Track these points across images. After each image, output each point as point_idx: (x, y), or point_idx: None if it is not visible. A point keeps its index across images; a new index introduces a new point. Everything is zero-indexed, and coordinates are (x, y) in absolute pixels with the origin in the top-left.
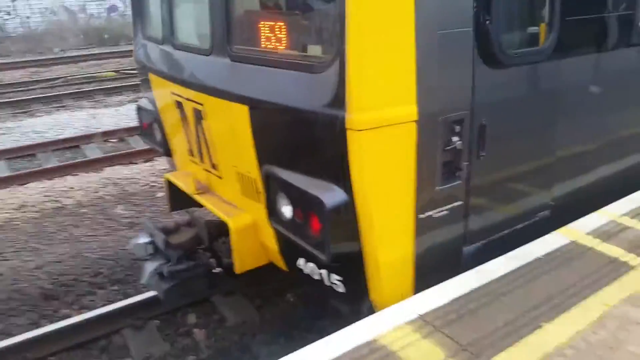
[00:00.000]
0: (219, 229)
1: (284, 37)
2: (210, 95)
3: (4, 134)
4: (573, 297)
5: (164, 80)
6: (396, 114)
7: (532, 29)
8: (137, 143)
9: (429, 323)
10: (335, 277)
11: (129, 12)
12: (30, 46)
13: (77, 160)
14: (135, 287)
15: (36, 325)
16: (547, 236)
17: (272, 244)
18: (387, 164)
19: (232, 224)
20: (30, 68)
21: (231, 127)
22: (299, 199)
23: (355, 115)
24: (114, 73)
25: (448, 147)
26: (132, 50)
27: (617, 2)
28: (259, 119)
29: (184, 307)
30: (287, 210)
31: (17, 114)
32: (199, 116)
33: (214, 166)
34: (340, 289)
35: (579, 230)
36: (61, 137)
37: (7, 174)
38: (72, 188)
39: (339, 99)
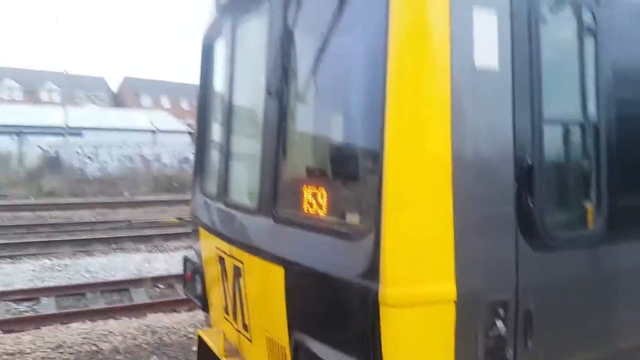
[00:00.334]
0: None
1: (325, 204)
2: (249, 253)
3: (59, 270)
4: None
5: (211, 234)
6: (433, 291)
7: (580, 211)
8: (183, 291)
9: None
10: None
11: None
12: (104, 189)
13: (121, 305)
14: None
15: None
16: None
17: None
18: (422, 346)
19: None
20: (98, 209)
21: (266, 288)
22: None
23: (389, 290)
24: (176, 220)
25: (491, 333)
26: None
27: None
28: (293, 282)
29: None
30: None
31: (76, 252)
32: (237, 273)
33: (245, 327)
34: None
35: None
36: (112, 279)
37: (52, 311)
38: (111, 332)
39: (373, 271)
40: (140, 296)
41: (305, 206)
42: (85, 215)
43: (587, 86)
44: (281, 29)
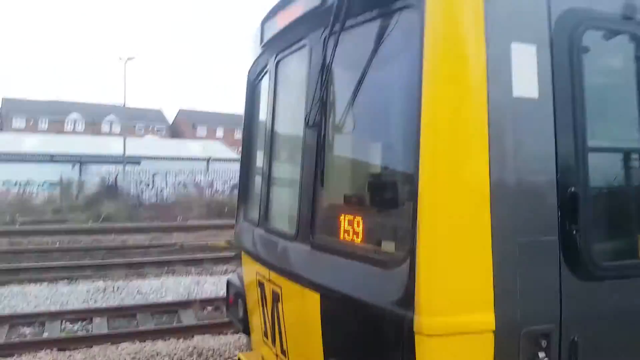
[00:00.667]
0: None
1: (361, 231)
2: (287, 279)
3: (112, 292)
4: None
5: (252, 259)
6: (471, 321)
7: (629, 240)
8: None
9: None
10: None
11: None
12: (158, 214)
13: (169, 326)
14: None
15: None
16: None
17: None
18: None
19: None
20: (153, 233)
21: (303, 314)
22: None
23: (425, 319)
24: (225, 243)
25: None
26: None
27: None
28: (329, 308)
29: None
30: None
31: (129, 275)
32: (276, 299)
33: (284, 352)
34: None
35: None
36: (162, 300)
37: (104, 331)
38: (159, 353)
39: (408, 299)
40: (188, 318)
41: (342, 233)
42: (140, 239)
43: (632, 113)
44: (320, 64)
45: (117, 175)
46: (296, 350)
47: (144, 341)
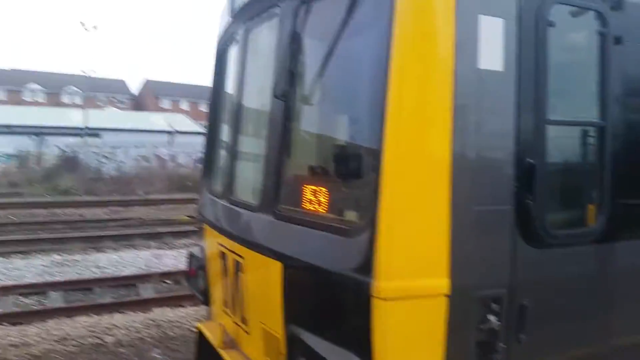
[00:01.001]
0: None
1: (325, 201)
2: (250, 249)
3: (69, 266)
4: None
5: (215, 231)
6: (426, 285)
7: (580, 210)
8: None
9: None
10: None
11: None
12: (118, 187)
13: (127, 299)
14: None
15: None
16: None
17: None
18: (413, 338)
19: None
20: (112, 207)
21: (264, 282)
22: None
23: (382, 283)
24: (187, 218)
25: (483, 326)
26: None
27: None
28: (291, 276)
29: None
30: None
31: (86, 249)
32: (238, 268)
33: (243, 320)
34: None
35: None
36: (120, 274)
37: (60, 305)
38: (116, 326)
39: (367, 265)
40: (147, 291)
41: (306, 204)
42: (99, 213)
43: (591, 90)
44: (289, 34)
45: (76, 147)
46: (256, 318)
47: (101, 314)
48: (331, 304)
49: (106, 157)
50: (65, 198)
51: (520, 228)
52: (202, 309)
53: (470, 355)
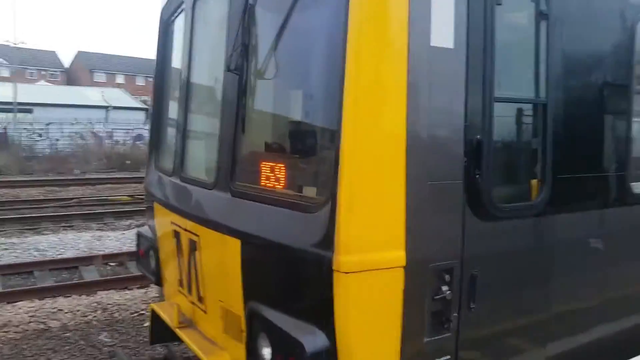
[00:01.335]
0: None
1: (283, 177)
2: (206, 227)
3: (6, 249)
4: None
5: (167, 209)
6: (384, 258)
7: (524, 184)
8: (135, 268)
9: None
10: None
11: None
12: (53, 166)
13: (70, 282)
14: None
15: None
16: None
17: None
18: (372, 309)
19: None
20: (47, 187)
21: (222, 260)
22: (280, 340)
23: (343, 257)
24: (128, 198)
25: (437, 297)
26: None
27: (609, 162)
28: (250, 253)
29: None
30: (266, 353)
31: (24, 230)
32: (193, 247)
33: (200, 299)
34: None
35: None
36: (61, 257)
37: None
38: (61, 310)
39: (328, 240)
40: (91, 274)
41: (263, 180)
42: (34, 193)
43: (535, 68)
44: (242, 5)
45: (6, 124)
46: (214, 296)
47: (43, 299)
48: (292, 279)
49: (39, 134)
50: None
51: (470, 202)
52: (150, 292)
53: (426, 325)
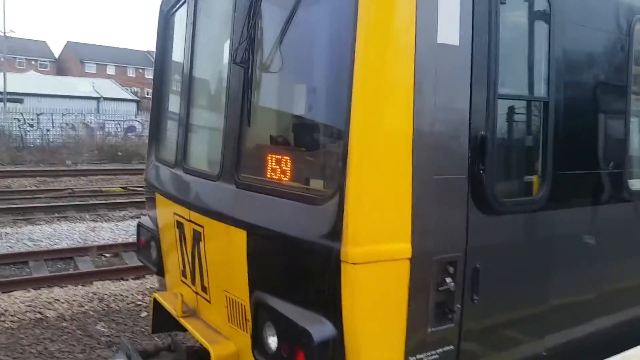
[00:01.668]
0: (200, 357)
1: (289, 170)
2: (211, 218)
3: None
4: None
5: (169, 200)
6: (390, 250)
7: (526, 180)
8: (131, 259)
9: None
10: None
11: (145, 133)
12: (45, 157)
13: (66, 272)
14: None
15: None
16: None
17: None
18: (379, 299)
19: (214, 352)
20: (39, 177)
21: (227, 251)
22: (286, 329)
23: (351, 249)
24: (120, 189)
25: (441, 288)
26: (142, 169)
27: (607, 161)
28: (255, 244)
29: None
30: (272, 342)
31: (17, 221)
32: (197, 238)
33: (204, 289)
34: None
35: None
36: (56, 247)
37: None
38: (57, 300)
39: (336, 232)
40: (86, 264)
41: (269, 173)
42: (26, 183)
43: (537, 66)
44: None
45: None
46: (219, 286)
47: (39, 289)
48: (299, 270)
49: (30, 124)
50: None
51: (474, 196)
52: (146, 282)
53: (430, 315)
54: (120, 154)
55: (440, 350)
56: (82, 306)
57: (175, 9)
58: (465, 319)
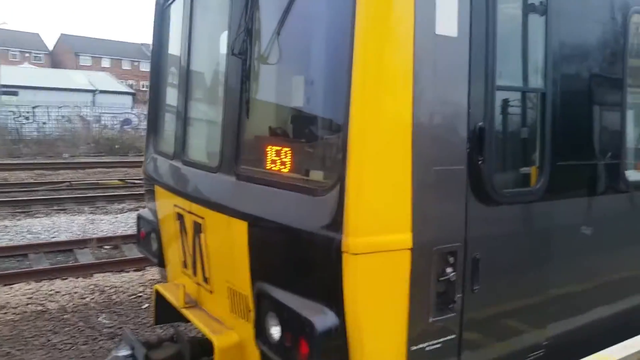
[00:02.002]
0: (203, 347)
1: (289, 161)
2: (212, 209)
3: None
4: None
5: (169, 192)
6: (392, 240)
7: (524, 171)
8: (131, 251)
9: None
10: None
11: (142, 126)
12: (42, 150)
13: (67, 265)
14: None
15: None
16: None
17: None
18: (381, 289)
19: (217, 342)
20: (37, 170)
21: (228, 242)
22: (289, 319)
23: (352, 239)
24: (119, 182)
25: (442, 278)
26: (140, 162)
27: (604, 152)
28: (257, 235)
29: None
30: (275, 332)
31: (16, 214)
32: (198, 229)
33: (206, 280)
34: None
35: None
36: (55, 239)
37: None
38: (58, 292)
39: (337, 222)
40: (86, 257)
41: (269, 164)
42: (23, 176)
43: (535, 58)
44: None
45: None
46: (220, 277)
47: (40, 281)
48: (301, 260)
49: (26, 117)
50: None
51: (473, 187)
52: (146, 274)
53: (432, 305)
54: (117, 146)
55: (441, 339)
56: (84, 298)
57: (171, 0)
58: (466, 308)
